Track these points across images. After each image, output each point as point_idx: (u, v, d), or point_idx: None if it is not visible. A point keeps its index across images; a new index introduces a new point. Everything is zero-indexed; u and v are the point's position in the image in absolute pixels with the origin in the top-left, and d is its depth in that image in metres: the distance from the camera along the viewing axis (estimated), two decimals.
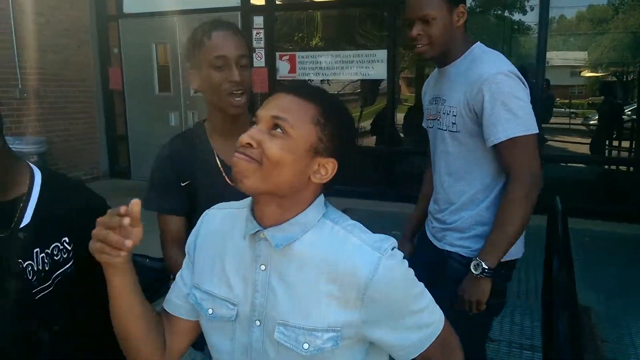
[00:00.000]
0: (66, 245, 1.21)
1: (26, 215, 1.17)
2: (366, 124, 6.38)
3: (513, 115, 1.50)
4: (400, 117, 6.32)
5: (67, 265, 1.22)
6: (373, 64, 5.82)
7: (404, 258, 0.92)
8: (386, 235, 0.93)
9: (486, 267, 1.51)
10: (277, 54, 6.24)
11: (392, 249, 0.90)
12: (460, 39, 1.64)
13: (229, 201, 1.06)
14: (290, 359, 0.90)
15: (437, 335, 0.93)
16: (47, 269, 1.18)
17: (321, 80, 6.27)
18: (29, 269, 1.17)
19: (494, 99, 1.51)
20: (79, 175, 6.87)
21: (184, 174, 1.45)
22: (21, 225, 1.16)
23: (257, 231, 0.91)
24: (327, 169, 0.90)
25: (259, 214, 0.92)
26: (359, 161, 1.00)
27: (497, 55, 1.63)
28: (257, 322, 0.92)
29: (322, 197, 0.94)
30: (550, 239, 2.07)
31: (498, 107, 1.51)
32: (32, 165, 1.23)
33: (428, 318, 0.93)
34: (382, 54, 5.77)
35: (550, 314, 1.70)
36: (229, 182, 1.39)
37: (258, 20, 6.22)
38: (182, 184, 1.44)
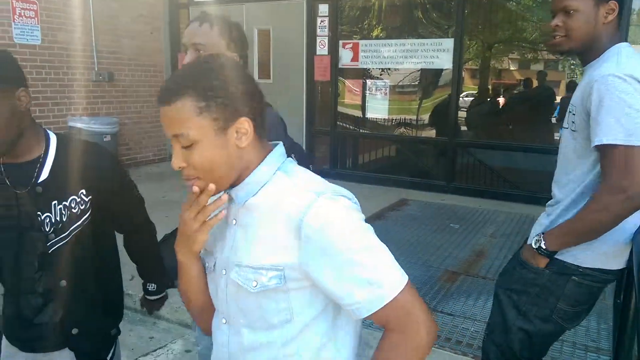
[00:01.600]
0: (83, 197, 1.37)
1: (43, 172, 1.35)
2: (427, 114, 6.28)
3: (616, 120, 1.41)
4: (463, 108, 6.18)
5: (85, 217, 1.39)
6: (439, 53, 5.70)
7: None
8: (341, 188, 0.97)
9: (543, 246, 1.56)
10: (341, 42, 6.25)
11: (337, 195, 0.94)
12: (606, 38, 1.55)
13: None
14: (244, 297, 0.99)
15: (390, 300, 0.90)
16: (64, 220, 1.36)
17: (382, 69, 6.24)
18: (47, 220, 1.35)
19: (601, 101, 1.44)
20: (148, 155, 7.23)
21: None
22: (39, 181, 1.34)
23: (227, 192, 1.01)
24: (244, 129, 0.93)
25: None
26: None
27: (629, 58, 1.50)
28: (223, 271, 1.02)
29: (275, 152, 1.00)
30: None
31: (603, 110, 1.43)
32: (47, 130, 1.40)
33: (376, 276, 0.90)
34: (448, 42, 5.64)
35: (626, 319, 1.66)
36: None
37: (323, 9, 6.24)
38: None
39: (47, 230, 1.36)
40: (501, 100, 6.26)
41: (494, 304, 1.80)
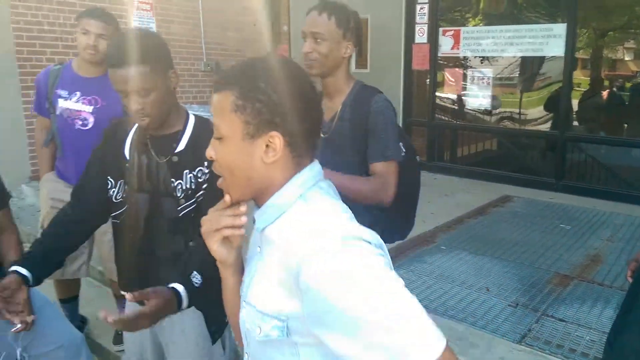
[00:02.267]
0: (204, 170, 1.50)
1: (180, 144, 1.52)
2: (534, 106, 5.89)
3: None
4: (575, 100, 5.71)
5: (204, 186, 1.51)
6: (548, 40, 5.31)
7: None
8: (364, 229, 0.81)
9: None
10: (440, 29, 6.04)
11: (355, 239, 0.78)
12: None
13: None
14: (252, 340, 0.89)
15: None
16: (192, 187, 1.51)
17: (485, 58, 5.93)
18: (179, 187, 1.51)
19: None
20: None
21: None
22: (175, 152, 1.51)
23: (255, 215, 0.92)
24: (273, 145, 0.84)
25: None
26: (313, 116, 0.88)
27: None
28: (243, 303, 0.92)
29: (301, 176, 0.87)
30: None
31: None
32: (187, 109, 1.59)
33: (402, 343, 0.72)
34: (559, 28, 5.23)
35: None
36: None
37: None
38: None
39: (179, 195, 1.51)
40: (616, 92, 5.71)
41: (634, 325, 1.60)
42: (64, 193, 2.52)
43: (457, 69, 6.22)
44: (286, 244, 0.82)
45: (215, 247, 0.92)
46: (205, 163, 1.50)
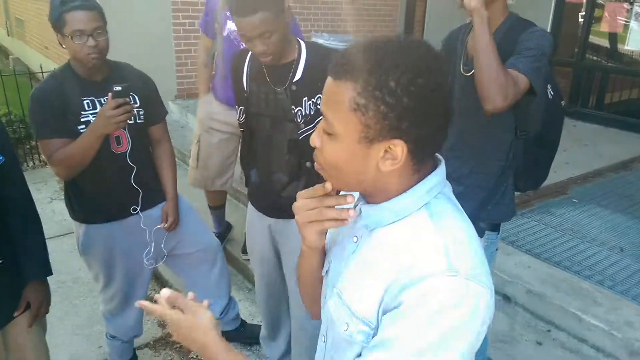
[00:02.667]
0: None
1: (297, 73, 1.62)
2: None
3: None
4: None
5: None
6: None
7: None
8: (487, 272, 0.73)
9: None
10: None
11: (474, 280, 0.70)
12: None
13: None
14: (336, 333, 0.84)
15: None
16: (312, 113, 1.61)
17: None
18: (299, 113, 1.62)
19: None
20: None
21: None
22: (294, 81, 1.61)
23: (359, 207, 0.84)
24: (394, 152, 0.72)
25: None
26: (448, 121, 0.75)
27: None
28: (332, 287, 0.87)
29: (428, 182, 0.78)
30: None
31: None
32: (298, 39, 1.67)
33: None
34: None
35: None
36: None
37: None
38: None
39: (299, 121, 1.63)
40: None
41: None
42: (219, 115, 2.77)
43: (620, 3, 5.44)
44: (404, 253, 0.75)
45: (313, 237, 0.87)
46: None
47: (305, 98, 1.60)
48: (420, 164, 0.77)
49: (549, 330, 2.44)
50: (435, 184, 0.78)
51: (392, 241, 0.78)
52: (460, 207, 0.82)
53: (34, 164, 4.80)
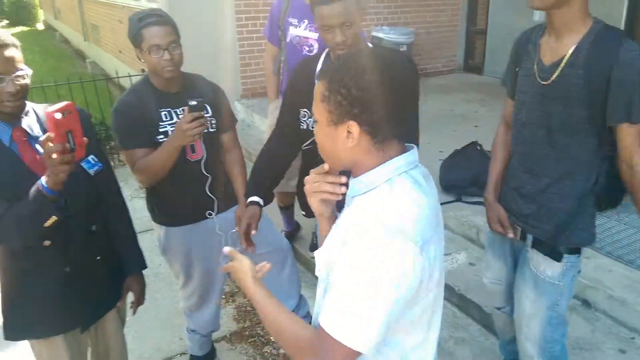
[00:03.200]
0: None
1: None
2: None
3: None
4: None
5: None
6: None
7: None
8: (418, 235, 0.91)
9: None
10: None
11: (400, 238, 0.89)
12: None
13: None
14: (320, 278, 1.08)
15: (318, 327, 0.95)
16: None
17: None
18: None
19: None
20: (437, 66, 7.29)
21: None
22: None
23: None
24: (351, 133, 0.94)
25: None
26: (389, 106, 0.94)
27: None
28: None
29: (393, 163, 0.97)
30: None
31: None
32: (377, 32, 1.74)
33: (343, 310, 0.91)
34: None
35: None
36: None
37: None
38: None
39: None
40: None
41: None
42: None
43: None
44: (358, 215, 0.97)
45: (316, 205, 1.13)
46: None
47: None
48: (383, 144, 0.97)
49: (633, 338, 2.33)
50: (401, 164, 0.98)
51: (360, 208, 0.98)
52: (423, 185, 0.99)
53: (114, 163, 5.13)
